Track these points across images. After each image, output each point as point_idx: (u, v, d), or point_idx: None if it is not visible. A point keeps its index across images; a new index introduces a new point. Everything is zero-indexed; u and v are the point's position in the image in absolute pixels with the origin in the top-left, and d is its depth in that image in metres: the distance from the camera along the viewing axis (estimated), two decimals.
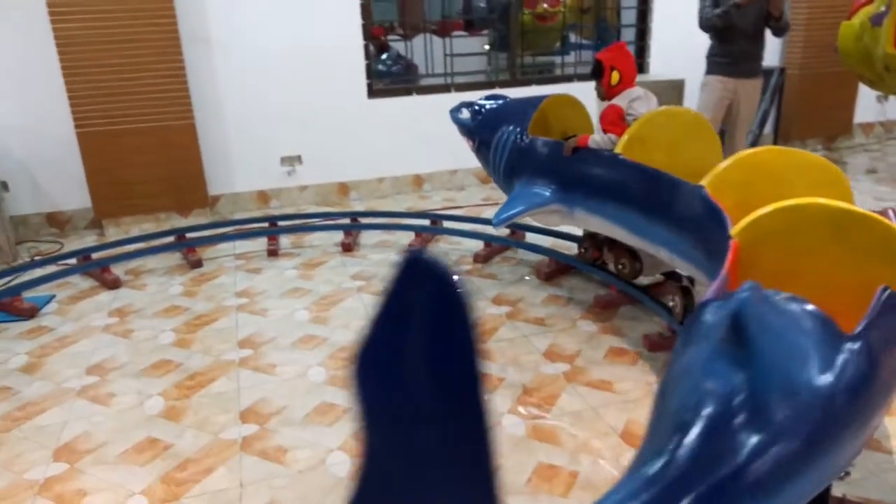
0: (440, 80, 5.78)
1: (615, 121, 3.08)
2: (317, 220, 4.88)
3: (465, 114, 3.85)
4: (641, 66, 6.27)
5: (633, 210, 2.94)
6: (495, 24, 6.37)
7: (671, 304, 2.97)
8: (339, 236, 4.61)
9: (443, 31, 6.16)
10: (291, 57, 5.17)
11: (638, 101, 3.12)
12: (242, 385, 2.89)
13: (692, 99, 4.94)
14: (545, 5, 7.09)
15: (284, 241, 4.66)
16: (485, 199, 5.44)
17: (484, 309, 3.53)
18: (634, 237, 3.02)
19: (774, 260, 1.88)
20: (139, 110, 4.71)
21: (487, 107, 3.85)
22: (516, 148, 3.51)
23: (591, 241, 3.67)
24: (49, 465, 2.41)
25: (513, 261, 4.19)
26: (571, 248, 4.15)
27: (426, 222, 4.67)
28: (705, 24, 4.37)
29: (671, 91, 5.17)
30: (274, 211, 5.42)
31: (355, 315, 3.52)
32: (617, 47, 3.26)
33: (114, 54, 4.55)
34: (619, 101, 3.13)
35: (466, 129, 3.88)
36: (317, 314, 3.55)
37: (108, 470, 2.38)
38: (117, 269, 4.14)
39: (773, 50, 6.48)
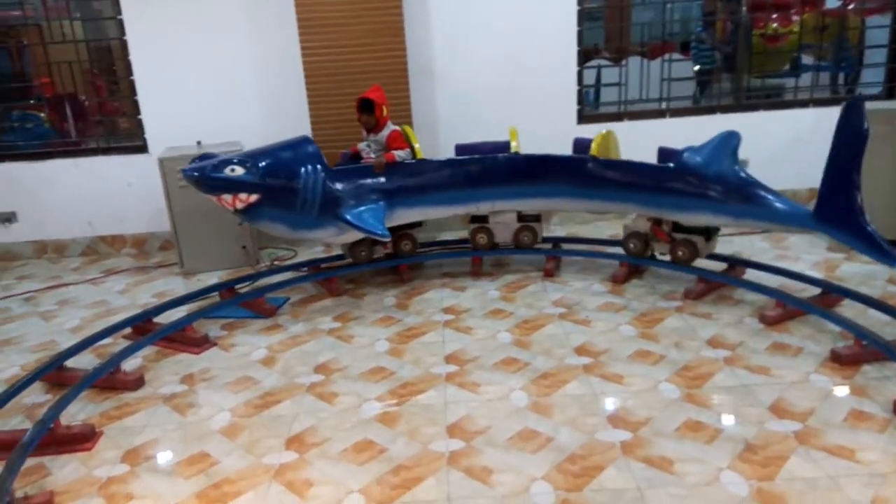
0: (654, 105, 5.58)
1: (402, 140, 4.24)
2: None
3: (238, 170, 3.77)
4: (891, 91, 5.50)
5: (458, 188, 4.26)
6: (718, 45, 6.01)
7: None
8: (540, 259, 4.63)
9: (656, 53, 5.93)
10: (505, 85, 5.32)
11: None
12: (449, 400, 3.00)
13: None
14: (775, 25, 6.54)
15: (487, 261, 4.78)
16: None
17: (697, 350, 3.30)
18: (460, 206, 4.36)
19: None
20: None
21: (257, 159, 3.84)
22: (329, 182, 3.96)
23: (364, 245, 4.45)
24: (282, 453, 2.69)
25: (730, 300, 3.88)
26: (803, 290, 3.75)
27: None
28: None
29: None
30: None
31: (557, 342, 3.49)
32: (379, 88, 4.31)
33: (351, 84, 5.03)
34: (395, 127, 4.28)
35: (244, 185, 3.78)
36: (519, 337, 3.58)
37: (330, 465, 2.59)
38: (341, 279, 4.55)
39: None
